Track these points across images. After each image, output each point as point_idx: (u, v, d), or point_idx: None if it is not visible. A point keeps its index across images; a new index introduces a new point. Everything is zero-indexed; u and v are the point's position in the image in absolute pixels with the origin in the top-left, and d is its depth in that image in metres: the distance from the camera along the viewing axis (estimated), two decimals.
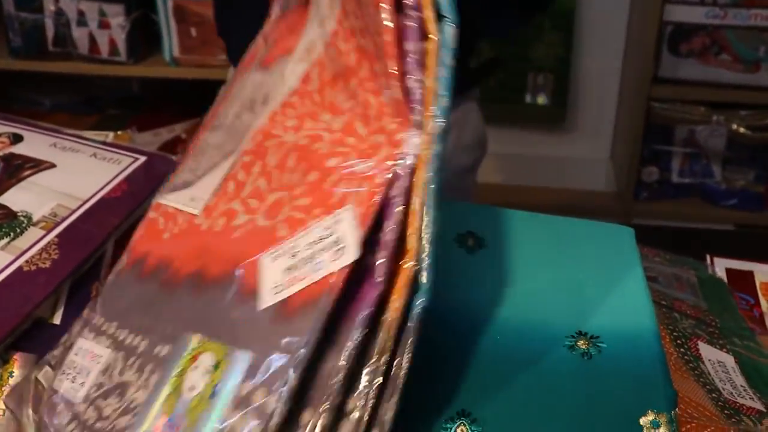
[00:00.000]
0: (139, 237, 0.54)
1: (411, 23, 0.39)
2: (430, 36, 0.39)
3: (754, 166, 1.74)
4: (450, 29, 0.38)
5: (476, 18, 0.90)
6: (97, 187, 0.71)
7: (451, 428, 0.40)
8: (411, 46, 0.39)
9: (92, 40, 1.71)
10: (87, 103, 1.95)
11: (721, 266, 0.71)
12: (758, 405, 0.48)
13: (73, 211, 0.67)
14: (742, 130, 1.69)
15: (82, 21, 1.69)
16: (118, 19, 1.69)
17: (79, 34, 1.71)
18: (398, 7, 0.39)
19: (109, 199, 0.70)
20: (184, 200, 0.49)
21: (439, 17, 0.39)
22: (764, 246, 0.89)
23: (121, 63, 1.75)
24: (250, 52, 0.59)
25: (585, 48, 1.89)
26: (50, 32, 1.74)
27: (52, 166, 0.73)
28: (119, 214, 0.69)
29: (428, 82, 0.38)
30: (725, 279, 0.69)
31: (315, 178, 0.41)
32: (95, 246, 0.65)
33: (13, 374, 0.55)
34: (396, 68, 0.38)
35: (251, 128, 0.49)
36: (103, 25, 1.69)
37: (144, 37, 1.77)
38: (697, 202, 1.82)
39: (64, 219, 0.65)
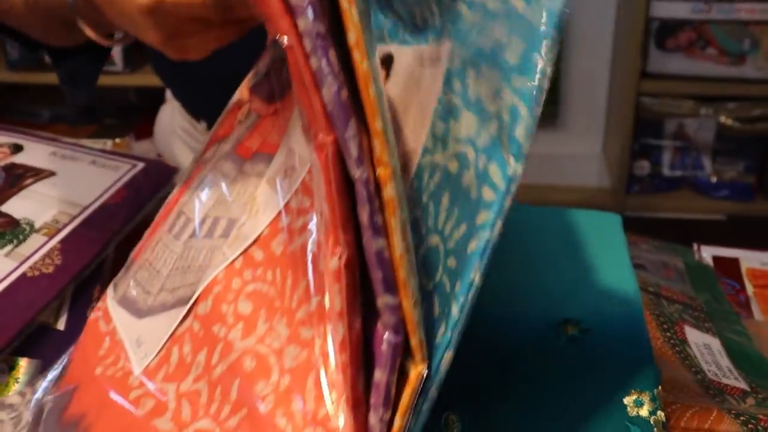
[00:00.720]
0: (81, 347, 0.49)
1: (386, 346, 0.30)
2: (414, 359, 0.30)
3: (743, 157, 1.75)
4: (447, 358, 0.30)
5: None
6: (97, 193, 0.72)
7: (441, 417, 0.41)
8: (380, 374, 0.30)
9: None
10: (85, 114, 1.96)
11: (708, 253, 0.73)
12: (743, 385, 0.50)
13: (74, 218, 0.68)
14: (730, 122, 1.71)
15: None
16: None
17: None
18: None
19: (109, 206, 0.71)
20: (131, 337, 0.45)
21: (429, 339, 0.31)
22: (752, 234, 0.91)
23: (117, 73, 1.76)
24: (231, 108, 0.53)
25: (574, 45, 1.91)
26: None
27: (52, 174, 0.75)
28: (120, 219, 0.70)
29: (396, 421, 0.30)
30: (712, 266, 0.70)
31: None
32: (97, 251, 0.66)
33: (19, 380, 0.56)
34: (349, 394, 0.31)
35: (206, 274, 0.43)
36: None
37: (139, 47, 1.77)
38: (688, 195, 1.84)
39: (65, 225, 0.67)
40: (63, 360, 0.51)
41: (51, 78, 2.06)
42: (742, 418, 0.43)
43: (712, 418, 0.42)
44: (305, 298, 0.36)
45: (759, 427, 0.42)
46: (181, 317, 0.43)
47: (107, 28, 0.57)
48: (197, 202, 0.48)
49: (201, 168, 0.51)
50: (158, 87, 1.21)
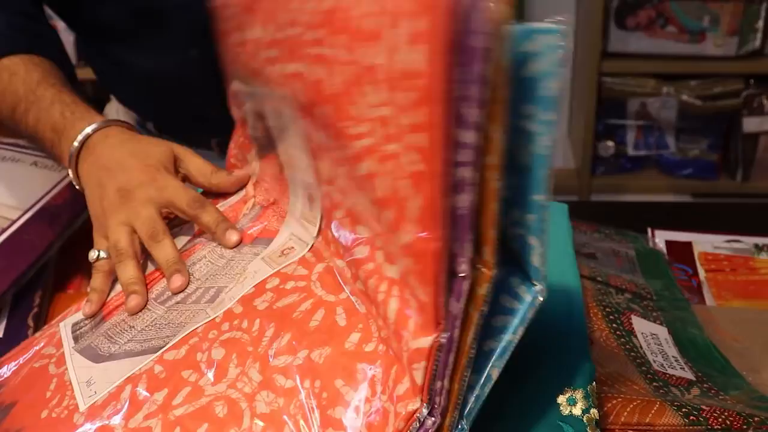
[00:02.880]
0: (26, 390, 0.46)
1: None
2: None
3: (706, 135, 1.76)
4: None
5: None
6: (38, 195, 0.70)
7: None
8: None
9: None
10: None
11: (661, 238, 0.72)
12: (688, 374, 0.49)
13: (14, 222, 0.66)
14: (691, 100, 1.71)
15: None
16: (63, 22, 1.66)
17: None
18: None
19: (51, 207, 0.69)
20: (81, 378, 0.44)
21: None
22: (716, 212, 0.91)
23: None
24: (236, 202, 0.56)
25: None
26: None
27: None
28: (62, 221, 0.68)
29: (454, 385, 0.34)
30: (665, 251, 0.70)
31: None
32: (37, 255, 0.64)
33: None
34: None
35: (185, 328, 0.44)
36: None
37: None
38: (653, 174, 1.84)
39: (4, 230, 0.65)
40: None
41: None
42: (684, 410, 0.42)
43: (653, 411, 0.42)
44: (287, 349, 0.38)
45: (701, 419, 0.42)
46: (145, 363, 0.42)
47: None
48: (190, 276, 0.50)
49: (197, 249, 0.53)
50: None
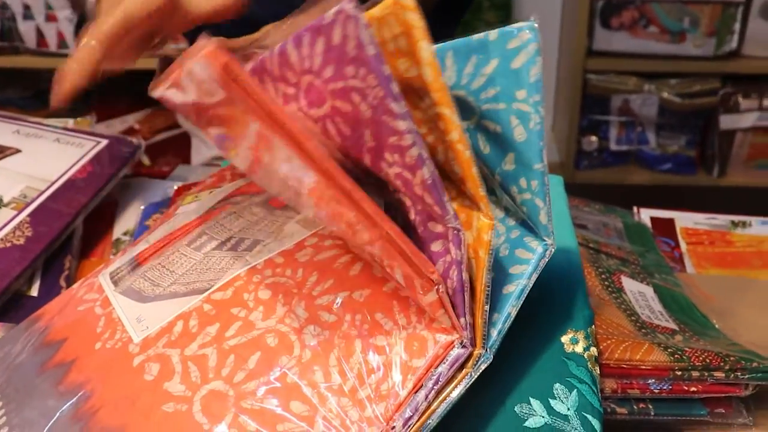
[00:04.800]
0: (75, 328, 0.49)
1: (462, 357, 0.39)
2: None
3: (685, 132, 1.82)
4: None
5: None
6: (63, 169, 0.74)
7: None
8: (445, 368, 0.38)
9: (39, 34, 1.71)
10: (36, 98, 1.94)
11: (646, 215, 0.78)
12: (672, 325, 0.55)
13: (42, 192, 0.70)
14: (671, 97, 1.78)
15: (28, 14, 1.70)
16: (64, 12, 1.69)
17: (25, 28, 1.71)
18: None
19: (75, 180, 0.73)
20: (131, 316, 0.47)
21: None
22: (694, 206, 0.97)
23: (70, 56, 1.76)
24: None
25: None
26: None
27: (18, 151, 0.76)
28: (87, 193, 0.72)
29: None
30: (650, 225, 0.76)
31: (269, 408, 0.39)
32: (66, 223, 0.69)
33: None
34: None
35: (226, 273, 0.47)
36: (50, 18, 1.69)
37: None
38: (634, 169, 1.91)
39: (33, 200, 0.69)
40: (37, 324, 0.53)
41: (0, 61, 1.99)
42: (669, 350, 0.48)
43: (642, 350, 0.47)
44: (330, 290, 0.42)
45: (684, 357, 0.47)
46: (193, 302, 0.45)
47: None
48: (222, 227, 0.52)
49: (228, 207, 0.55)
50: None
